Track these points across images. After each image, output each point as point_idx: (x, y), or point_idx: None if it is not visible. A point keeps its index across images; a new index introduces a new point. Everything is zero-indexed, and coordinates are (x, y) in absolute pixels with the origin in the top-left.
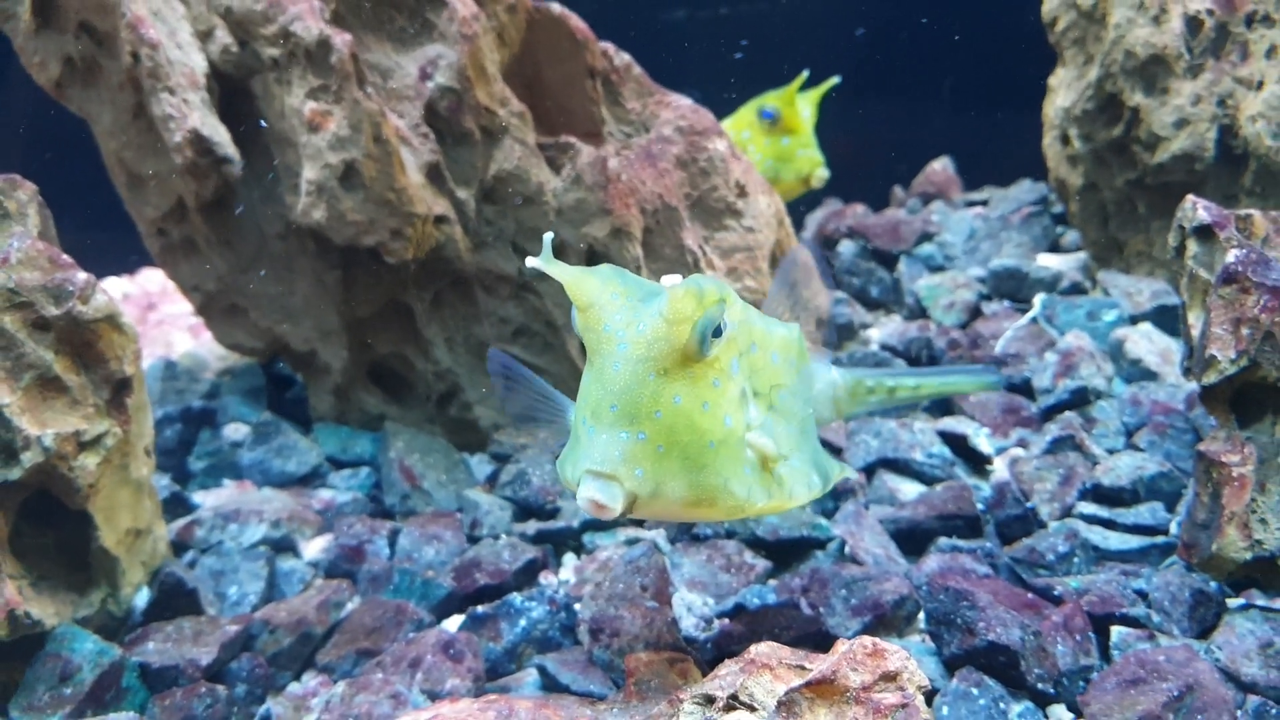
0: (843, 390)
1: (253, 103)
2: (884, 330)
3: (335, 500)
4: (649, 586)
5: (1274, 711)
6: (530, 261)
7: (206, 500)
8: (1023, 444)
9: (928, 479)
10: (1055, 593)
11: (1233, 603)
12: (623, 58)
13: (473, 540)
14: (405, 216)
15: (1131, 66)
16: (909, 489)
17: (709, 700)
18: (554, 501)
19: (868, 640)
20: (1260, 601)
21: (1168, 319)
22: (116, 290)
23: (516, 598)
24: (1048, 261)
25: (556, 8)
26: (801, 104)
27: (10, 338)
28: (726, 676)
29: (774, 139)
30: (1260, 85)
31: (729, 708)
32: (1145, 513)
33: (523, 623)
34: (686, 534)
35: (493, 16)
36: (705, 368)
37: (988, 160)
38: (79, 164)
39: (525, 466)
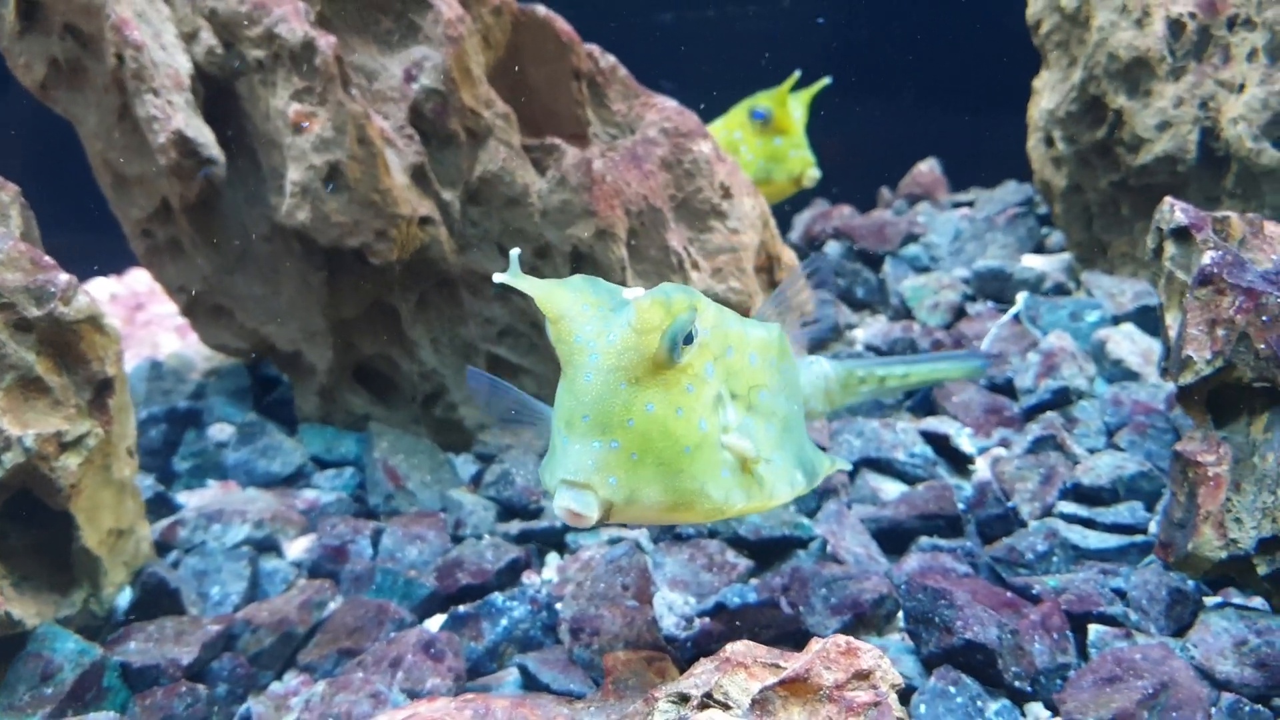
0: (835, 382)
1: (238, 104)
2: (869, 331)
3: (319, 500)
4: (630, 586)
5: (1248, 709)
6: (498, 277)
7: (191, 500)
8: (1005, 444)
9: (910, 479)
10: (1034, 591)
11: (1210, 601)
12: (608, 59)
13: (456, 540)
14: (390, 218)
15: (1114, 69)
16: (891, 489)
17: (683, 699)
18: (538, 501)
19: (841, 639)
20: (1237, 600)
21: (1150, 320)
22: (105, 291)
23: (498, 597)
24: (1032, 262)
25: (542, 10)
26: (793, 104)
27: None
28: (701, 675)
29: (766, 139)
30: (1242, 88)
31: (703, 706)
32: (1125, 512)
33: (504, 622)
34: (669, 534)
35: (478, 19)
36: (678, 374)
37: (975, 162)
38: (69, 165)
39: (509, 467)
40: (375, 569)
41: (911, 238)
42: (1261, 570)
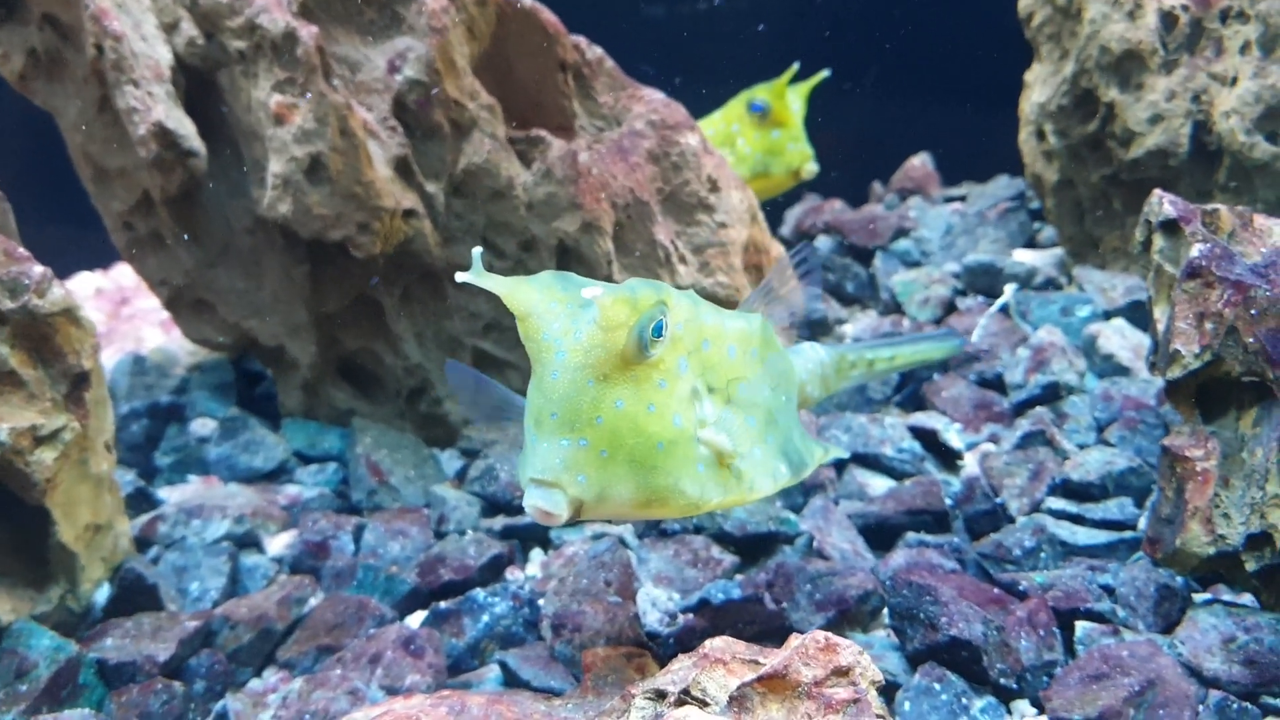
0: (829, 367)
1: (219, 96)
2: (859, 325)
3: (301, 496)
4: (613, 582)
5: (1235, 706)
6: (460, 276)
7: (171, 496)
8: (994, 439)
9: (898, 474)
10: (1021, 588)
11: (1198, 598)
12: (595, 51)
13: (439, 536)
14: (372, 210)
15: (1106, 62)
16: (878, 484)
17: (660, 695)
18: (521, 497)
19: (820, 635)
20: (1226, 596)
21: (1141, 315)
22: (90, 285)
23: (480, 593)
24: (1023, 257)
25: (528, 1)
26: (791, 97)
27: None
28: (679, 671)
29: (764, 132)
30: (1234, 81)
31: (680, 702)
32: (1114, 508)
33: (485, 618)
34: (654, 529)
35: (463, 9)
36: (649, 370)
37: (967, 156)
38: (55, 159)
39: (494, 462)
40: (357, 565)
41: (902, 232)
42: (1250, 566)
